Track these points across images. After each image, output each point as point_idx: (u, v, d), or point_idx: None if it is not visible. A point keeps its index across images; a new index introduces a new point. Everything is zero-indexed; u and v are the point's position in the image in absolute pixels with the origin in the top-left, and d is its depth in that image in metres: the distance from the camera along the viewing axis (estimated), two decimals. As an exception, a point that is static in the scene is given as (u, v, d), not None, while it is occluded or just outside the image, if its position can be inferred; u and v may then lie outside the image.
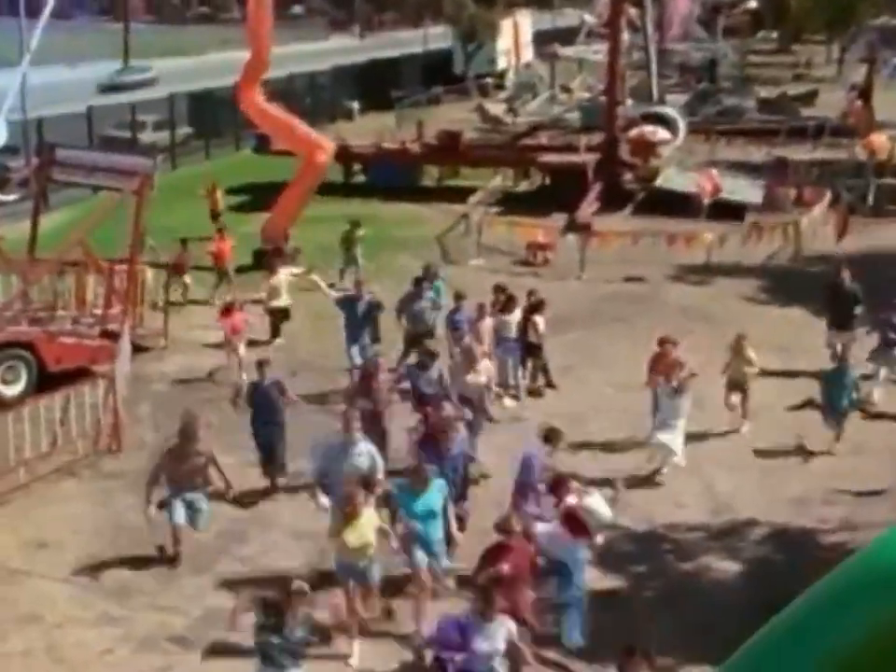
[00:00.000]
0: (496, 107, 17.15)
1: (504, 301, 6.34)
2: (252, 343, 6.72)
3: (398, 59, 21.22)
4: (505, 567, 3.18)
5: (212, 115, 14.44)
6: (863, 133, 12.52)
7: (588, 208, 10.56)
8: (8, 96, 7.85)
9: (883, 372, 5.83)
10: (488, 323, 6.17)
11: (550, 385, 6.46)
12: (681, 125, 12.77)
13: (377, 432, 4.60)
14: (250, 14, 9.35)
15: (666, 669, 3.81)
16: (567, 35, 21.89)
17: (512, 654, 3.14)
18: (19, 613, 4.17)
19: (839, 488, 5.12)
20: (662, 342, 5.41)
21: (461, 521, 4.12)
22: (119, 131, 13.24)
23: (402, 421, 4.96)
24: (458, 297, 6.42)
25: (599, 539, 3.72)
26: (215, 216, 9.78)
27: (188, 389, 6.43)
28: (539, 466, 3.99)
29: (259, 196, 10.96)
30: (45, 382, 5.97)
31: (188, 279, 8.00)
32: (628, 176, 11.87)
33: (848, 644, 0.94)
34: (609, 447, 5.31)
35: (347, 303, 6.03)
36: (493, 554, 3.39)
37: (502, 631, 3.05)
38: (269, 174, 11.47)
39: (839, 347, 6.25)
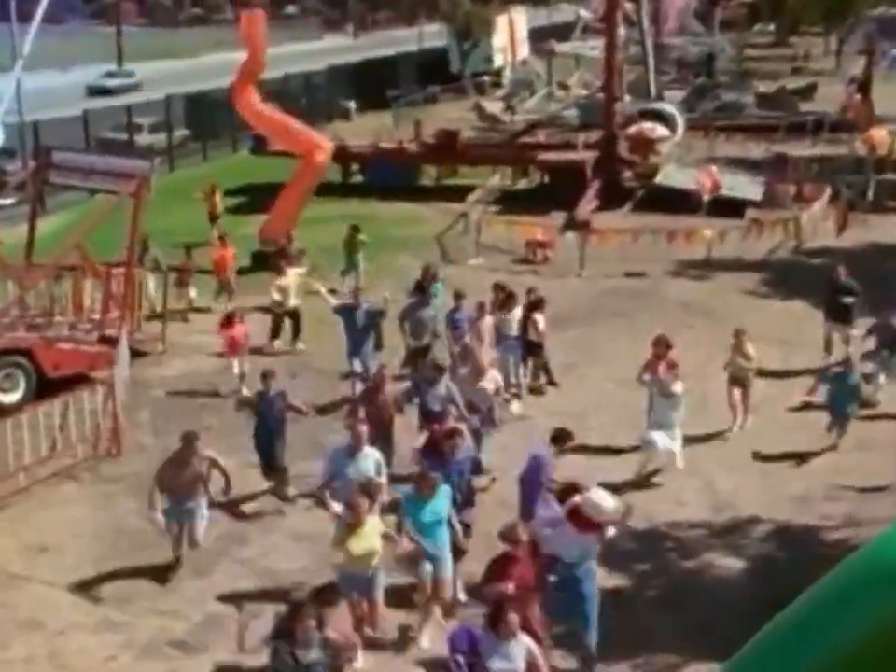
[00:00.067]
0: (493, 105, 17.10)
1: (504, 299, 6.32)
2: (257, 351, 6.67)
3: (393, 58, 21.15)
4: (510, 586, 3.11)
5: (208, 117, 14.41)
6: (863, 127, 12.46)
7: (587, 206, 10.53)
8: (3, 100, 7.82)
9: (882, 378, 5.82)
10: (488, 322, 6.15)
11: (551, 382, 6.43)
12: (680, 121, 12.71)
13: (383, 440, 4.56)
14: (243, 22, 9.28)
15: (670, 668, 3.81)
16: (564, 31, 21.90)
17: None
18: (20, 619, 4.16)
19: (842, 484, 5.10)
20: (657, 342, 5.36)
21: (467, 528, 4.04)
22: (115, 133, 13.20)
23: (408, 435, 4.92)
24: (458, 296, 6.39)
25: (611, 531, 3.65)
26: (213, 218, 9.70)
27: (187, 393, 6.41)
28: (546, 466, 3.93)
29: (257, 197, 10.94)
30: (43, 388, 5.96)
31: (192, 293, 7.89)
32: (627, 174, 11.83)
33: (852, 641, 0.93)
34: (611, 444, 5.28)
35: (346, 312, 5.90)
36: (499, 565, 3.35)
37: (521, 650, 2.99)
38: (266, 175, 11.46)
39: (844, 344, 6.27)
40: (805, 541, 4.58)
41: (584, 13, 20.03)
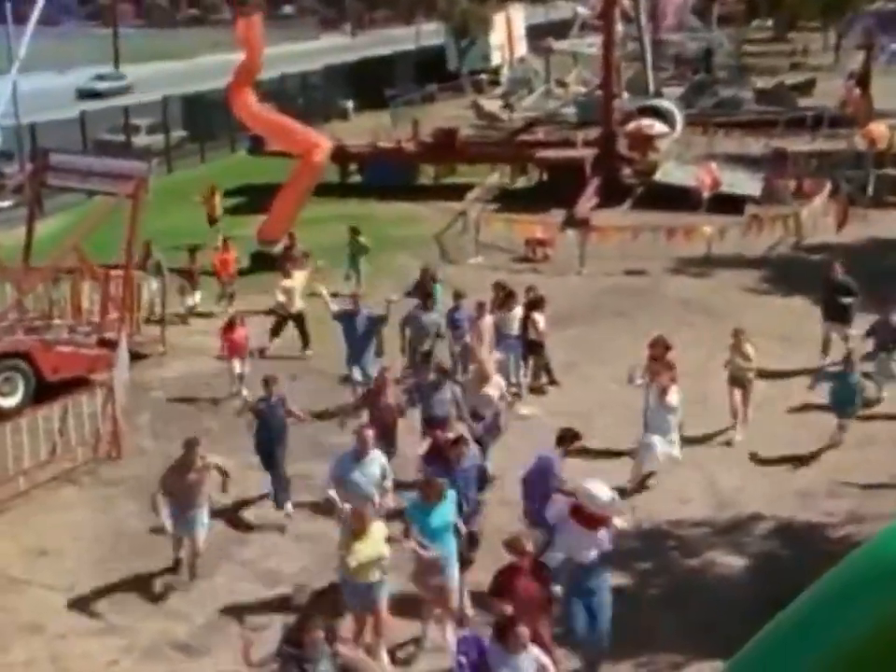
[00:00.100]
0: (491, 104, 17.08)
1: (503, 298, 6.29)
2: (259, 354, 6.62)
3: (390, 57, 21.09)
4: (510, 608, 3.05)
5: (206, 117, 14.36)
6: (862, 122, 12.42)
7: (586, 203, 10.49)
8: (0, 102, 7.87)
9: (882, 380, 5.80)
10: (488, 321, 6.12)
11: (552, 382, 6.41)
12: (678, 118, 12.66)
13: (386, 443, 4.51)
14: (240, 26, 9.24)
15: (673, 667, 3.79)
16: (561, 29, 21.67)
17: None
18: (21, 623, 4.15)
19: (845, 481, 5.09)
20: (654, 343, 5.31)
21: (474, 538, 3.98)
22: (112, 135, 13.16)
23: (410, 437, 4.88)
24: (458, 295, 6.36)
25: (619, 522, 3.60)
26: (212, 222, 9.63)
27: (187, 395, 6.39)
28: (553, 470, 3.87)
29: (256, 198, 10.90)
30: (43, 392, 5.93)
31: (196, 298, 7.78)
32: (626, 171, 11.80)
33: (855, 638, 0.92)
34: (612, 444, 5.26)
35: (345, 318, 5.79)
36: (505, 576, 3.30)
37: (531, 663, 2.96)
38: (264, 175, 11.44)
39: (843, 342, 6.22)
40: (807, 538, 4.57)
41: (582, 10, 19.93)
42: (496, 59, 21.62)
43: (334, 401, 5.98)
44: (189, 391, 6.46)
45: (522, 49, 22.12)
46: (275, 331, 7.02)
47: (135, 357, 6.49)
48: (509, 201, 11.14)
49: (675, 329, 7.12)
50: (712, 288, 8.38)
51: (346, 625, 3.48)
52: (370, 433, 4.12)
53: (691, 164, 11.07)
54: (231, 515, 4.81)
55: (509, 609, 3.09)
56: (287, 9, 37.40)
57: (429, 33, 24.69)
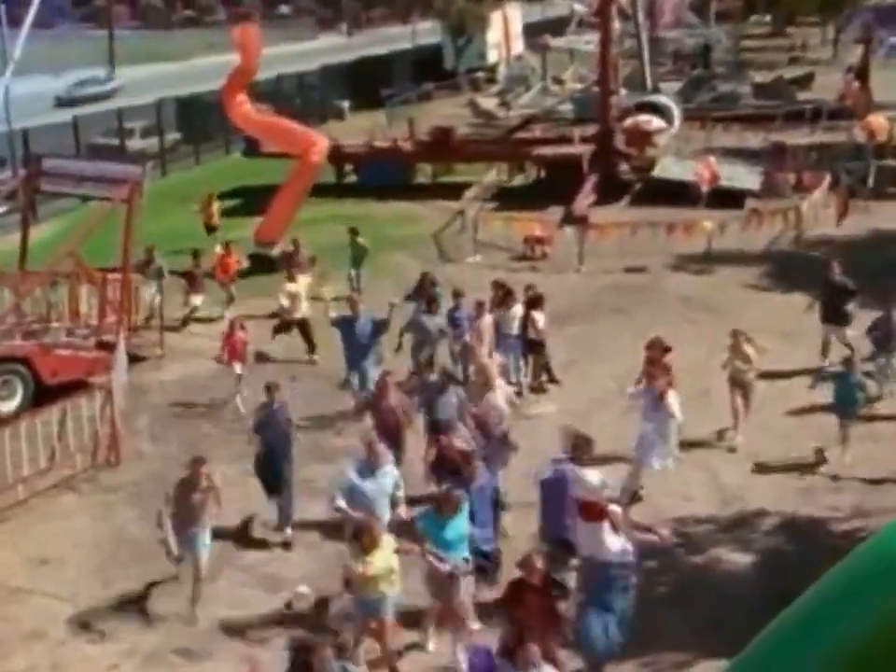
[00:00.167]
0: (488, 102, 17.12)
1: (502, 297, 6.25)
2: (262, 359, 6.55)
3: (387, 56, 20.95)
4: (514, 634, 3.01)
5: (200, 119, 14.30)
6: (861, 114, 12.36)
7: (585, 200, 10.45)
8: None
9: (883, 379, 5.72)
10: (488, 320, 6.08)
11: (552, 380, 6.38)
12: (676, 113, 12.61)
13: (394, 446, 4.42)
14: (237, 33, 9.20)
15: (679, 665, 3.77)
16: (558, 26, 21.67)
17: None
18: (22, 631, 4.13)
19: (849, 476, 5.06)
20: (651, 345, 5.19)
21: (487, 558, 3.79)
22: (106, 138, 13.07)
23: (414, 439, 4.81)
24: (457, 294, 6.31)
25: (615, 508, 3.53)
26: (210, 229, 9.49)
27: (185, 399, 6.36)
28: (570, 480, 3.76)
29: (252, 200, 10.85)
30: (41, 395, 5.90)
31: (198, 300, 7.66)
32: (624, 167, 11.75)
33: (861, 633, 0.91)
34: (614, 443, 5.20)
35: (344, 324, 5.63)
36: (515, 590, 3.26)
37: None
38: (260, 177, 11.38)
39: (842, 343, 6.17)
40: (812, 534, 4.55)
41: (579, 7, 19.88)
42: (492, 57, 21.55)
43: (335, 404, 5.93)
44: (187, 394, 6.44)
45: (519, 46, 22.05)
46: (278, 330, 6.89)
47: (133, 359, 6.45)
48: (506, 199, 11.11)
49: (675, 326, 7.09)
50: (713, 285, 8.35)
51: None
52: (381, 446, 4.05)
53: (689, 159, 11.01)
54: (232, 520, 4.77)
55: (515, 635, 3.05)
56: (284, 9, 37.21)
57: (426, 31, 24.55)
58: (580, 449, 3.95)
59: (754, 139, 12.36)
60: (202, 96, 14.28)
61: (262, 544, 4.69)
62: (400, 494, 4.02)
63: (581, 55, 17.95)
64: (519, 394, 5.99)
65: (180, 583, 4.32)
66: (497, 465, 4.41)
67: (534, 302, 6.28)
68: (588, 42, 16.91)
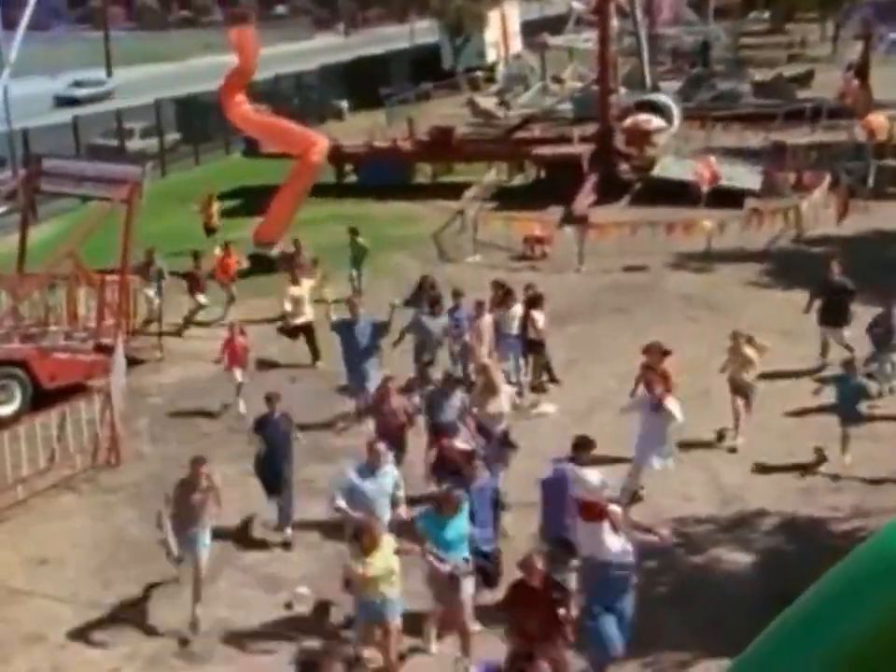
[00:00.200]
0: (487, 101, 17.01)
1: (502, 296, 6.24)
2: (265, 366, 6.50)
3: (385, 55, 20.94)
4: (523, 649, 2.97)
5: (200, 120, 14.29)
6: (861, 113, 12.34)
7: (585, 200, 10.45)
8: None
9: (884, 379, 5.67)
10: (488, 320, 6.07)
11: (553, 380, 6.37)
12: (676, 112, 12.59)
13: (396, 448, 4.41)
14: (234, 36, 9.15)
15: (679, 665, 3.76)
16: (556, 24, 21.62)
17: None
18: (22, 633, 4.12)
19: (849, 475, 5.06)
20: (648, 350, 5.12)
21: (491, 562, 3.74)
22: (105, 139, 13.06)
23: (417, 439, 4.80)
24: (456, 294, 6.29)
25: (615, 508, 3.54)
26: (210, 230, 9.45)
27: (185, 401, 6.35)
28: (571, 481, 3.76)
29: (251, 200, 10.83)
30: (40, 399, 5.89)
31: (202, 299, 7.62)
32: (624, 166, 11.73)
33: (861, 633, 0.91)
34: (613, 441, 5.18)
35: (344, 327, 5.56)
36: (516, 591, 3.23)
37: None
38: (260, 177, 11.37)
39: (830, 349, 6.14)
40: (812, 534, 4.54)
41: (577, 5, 19.85)
42: (491, 56, 21.53)
43: (335, 404, 5.93)
44: (186, 396, 6.43)
45: (517, 45, 22.04)
46: (286, 334, 6.77)
47: (132, 362, 6.45)
48: (506, 199, 11.09)
49: (676, 325, 7.10)
50: (713, 283, 8.34)
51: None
52: (381, 445, 4.02)
53: (689, 159, 10.99)
54: (232, 520, 4.76)
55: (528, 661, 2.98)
56: (280, 9, 37.20)
57: (423, 30, 24.53)
58: (580, 449, 3.94)
59: (754, 138, 12.35)
60: (201, 96, 14.27)
61: (262, 544, 4.68)
62: (401, 494, 4.00)
63: (579, 53, 17.89)
64: (519, 394, 5.98)
65: (181, 585, 4.30)
66: (497, 465, 4.39)
67: (533, 302, 6.27)
68: (587, 40, 16.88)
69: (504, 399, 4.82)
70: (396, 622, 3.57)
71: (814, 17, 25.68)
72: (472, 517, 3.73)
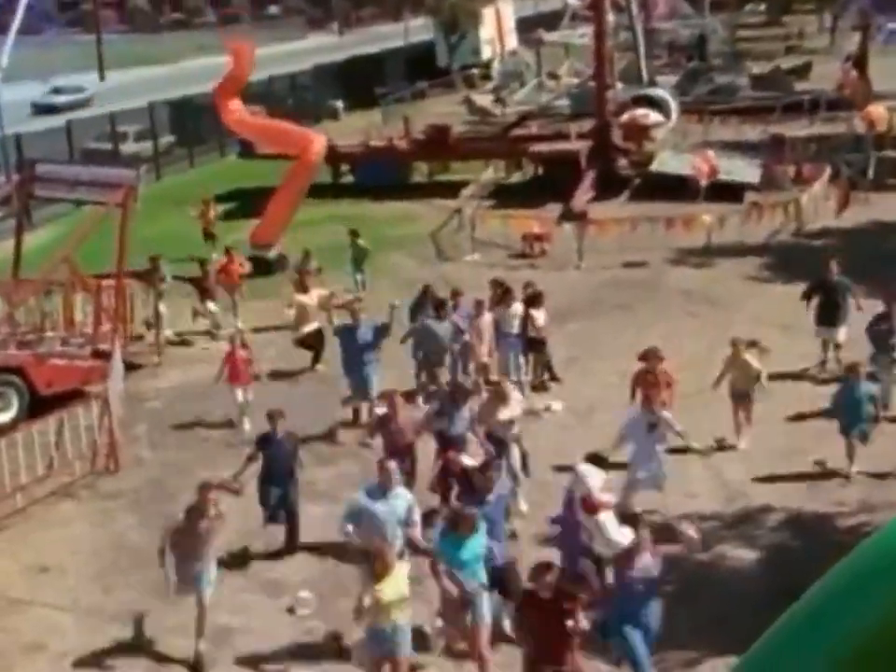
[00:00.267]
0: (483, 99, 16.90)
1: (501, 295, 6.20)
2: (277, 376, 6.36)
3: (379, 54, 20.81)
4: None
5: (194, 122, 14.21)
6: (860, 104, 12.26)
7: (583, 196, 10.39)
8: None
9: (886, 380, 5.50)
10: (487, 319, 6.03)
11: (553, 378, 6.33)
12: (673, 106, 12.52)
13: (402, 467, 4.24)
14: (233, 52, 9.12)
15: (686, 663, 3.74)
16: (551, 20, 21.49)
17: None
18: (22, 643, 4.09)
19: (854, 470, 5.01)
20: (645, 355, 4.99)
21: (511, 578, 3.62)
22: (99, 143, 12.96)
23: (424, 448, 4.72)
24: (455, 294, 6.26)
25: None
26: (208, 235, 9.39)
27: (184, 405, 6.31)
28: (577, 502, 3.70)
29: (247, 202, 10.78)
30: (37, 406, 5.85)
31: (213, 306, 7.48)
32: (622, 162, 11.67)
33: (866, 629, 0.89)
34: (614, 440, 5.19)
35: (345, 332, 5.53)
36: (529, 601, 3.17)
37: None
38: (256, 178, 11.33)
39: (831, 347, 6.04)
40: (817, 529, 4.52)
41: (572, 0, 19.76)
42: (486, 53, 21.42)
43: (335, 406, 5.87)
44: (185, 400, 6.39)
45: (512, 41, 21.93)
46: (304, 345, 6.57)
47: (130, 367, 6.40)
48: (504, 196, 11.03)
49: (676, 321, 7.09)
50: (713, 278, 8.29)
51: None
52: (392, 464, 3.88)
53: (687, 153, 10.94)
54: (232, 525, 4.70)
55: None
56: (273, 10, 36.85)
57: (418, 28, 24.43)
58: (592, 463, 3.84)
59: (752, 132, 12.27)
60: (194, 98, 14.20)
61: (264, 549, 4.63)
62: (416, 518, 3.82)
63: (575, 49, 17.83)
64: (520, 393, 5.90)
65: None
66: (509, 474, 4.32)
67: (533, 300, 6.23)
68: (582, 35, 16.82)
69: (516, 407, 4.70)
70: (406, 654, 3.46)
71: (811, 8, 25.50)
72: (490, 531, 3.62)
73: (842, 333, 6.07)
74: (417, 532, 3.83)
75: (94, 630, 4.13)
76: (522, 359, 6.12)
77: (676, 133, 12.23)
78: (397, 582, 3.38)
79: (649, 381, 4.89)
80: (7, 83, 8.76)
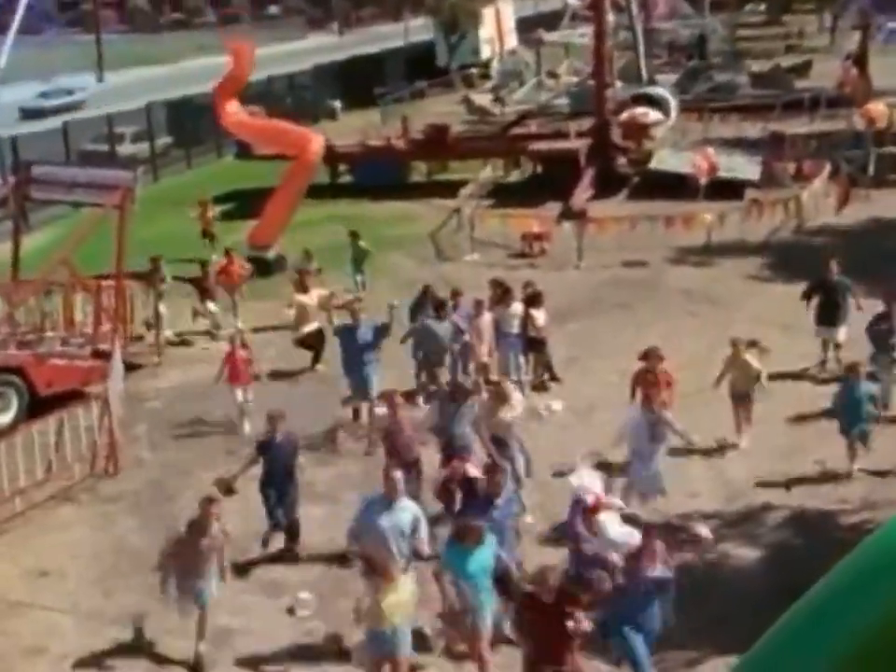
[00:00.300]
0: (482, 98, 16.90)
1: (500, 295, 6.18)
2: (280, 375, 6.36)
3: (379, 54, 20.80)
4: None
5: (191, 123, 14.15)
6: (860, 101, 12.27)
7: (582, 195, 10.37)
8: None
9: (886, 380, 5.47)
10: (487, 318, 6.02)
11: (553, 378, 6.31)
12: (673, 105, 12.51)
13: (408, 477, 4.12)
14: (233, 53, 9.08)
15: (687, 662, 3.73)
16: (551, 20, 21.44)
17: None
18: (23, 646, 4.08)
19: (856, 468, 5.00)
20: (645, 355, 4.95)
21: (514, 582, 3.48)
22: (96, 144, 12.90)
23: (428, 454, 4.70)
24: (455, 294, 6.24)
25: (616, 500, 3.54)
26: (206, 235, 9.36)
27: (184, 405, 6.30)
28: (579, 510, 3.67)
29: (245, 203, 10.77)
30: (36, 407, 5.84)
31: (213, 306, 7.48)
32: (622, 160, 11.67)
33: (868, 627, 0.89)
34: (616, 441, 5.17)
35: (345, 332, 5.49)
36: (529, 603, 3.15)
37: None
38: (253, 179, 11.31)
39: (831, 346, 6.03)
40: (820, 527, 4.51)
41: (572, 1, 19.73)
42: (486, 53, 21.41)
43: (335, 407, 5.86)
44: (185, 400, 6.37)
45: (512, 41, 21.89)
46: (304, 345, 6.60)
47: (130, 367, 6.38)
48: (503, 196, 11.01)
49: (677, 320, 7.08)
50: (713, 277, 8.28)
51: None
52: (398, 474, 3.75)
53: (686, 151, 10.93)
54: (231, 527, 4.68)
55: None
56: (273, 9, 36.80)
57: (418, 28, 24.40)
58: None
59: (752, 129, 12.27)
60: (192, 99, 14.14)
61: (261, 549, 4.61)
62: (423, 532, 3.69)
63: (575, 48, 17.81)
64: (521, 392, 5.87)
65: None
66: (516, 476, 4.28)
67: (532, 300, 6.22)
68: (582, 35, 16.79)
69: (517, 407, 4.66)
70: (406, 654, 3.43)
71: (811, 8, 25.48)
72: (499, 539, 3.56)
73: (842, 333, 6.06)
74: (424, 547, 3.71)
75: (94, 633, 4.12)
76: (522, 359, 6.12)
77: (675, 132, 12.20)
78: (399, 594, 3.35)
79: (649, 380, 4.89)
80: (5, 84, 8.72)
